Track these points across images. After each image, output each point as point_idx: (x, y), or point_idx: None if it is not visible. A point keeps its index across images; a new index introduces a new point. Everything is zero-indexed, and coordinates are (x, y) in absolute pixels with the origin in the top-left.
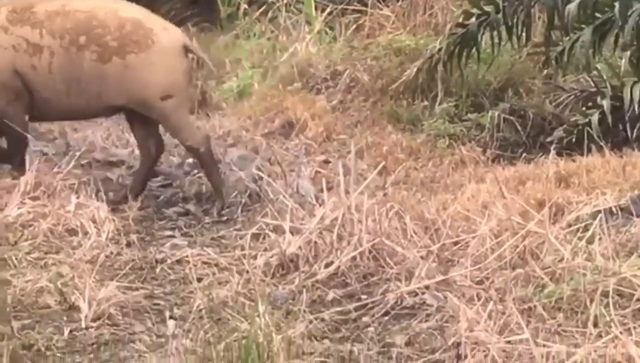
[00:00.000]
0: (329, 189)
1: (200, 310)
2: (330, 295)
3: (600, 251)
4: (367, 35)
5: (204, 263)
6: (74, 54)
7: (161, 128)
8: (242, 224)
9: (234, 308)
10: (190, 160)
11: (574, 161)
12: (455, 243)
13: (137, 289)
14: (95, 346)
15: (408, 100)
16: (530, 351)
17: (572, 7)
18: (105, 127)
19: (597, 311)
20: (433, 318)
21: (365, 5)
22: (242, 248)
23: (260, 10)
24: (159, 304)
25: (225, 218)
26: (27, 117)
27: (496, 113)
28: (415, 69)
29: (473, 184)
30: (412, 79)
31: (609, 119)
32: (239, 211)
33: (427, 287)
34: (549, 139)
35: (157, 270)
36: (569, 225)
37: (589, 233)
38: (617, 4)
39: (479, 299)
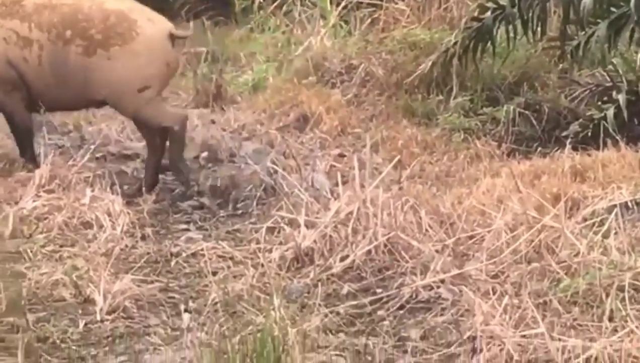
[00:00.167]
0: (344, 183)
1: (216, 304)
2: (346, 289)
3: (616, 246)
4: (382, 29)
5: (219, 256)
6: (61, 48)
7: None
8: (257, 217)
9: (249, 301)
10: (205, 154)
11: (589, 155)
12: (471, 237)
13: (152, 282)
14: (110, 339)
15: (423, 94)
16: (545, 345)
17: (587, 2)
18: (120, 121)
19: (613, 305)
20: (448, 312)
21: None
22: (257, 242)
23: (275, 3)
24: (174, 297)
25: (240, 211)
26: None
27: (511, 107)
28: (430, 63)
29: (488, 179)
30: (427, 73)
31: (625, 114)
32: (254, 204)
33: (442, 281)
34: (564, 134)
35: (172, 263)
36: (585, 219)
37: (604, 228)
38: None
39: (494, 293)
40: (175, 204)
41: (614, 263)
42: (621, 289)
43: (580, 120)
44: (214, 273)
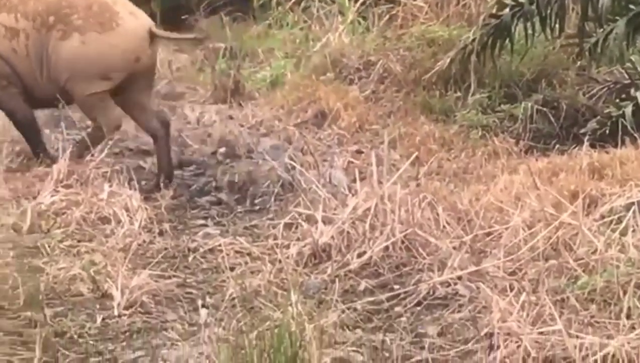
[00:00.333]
0: (362, 179)
1: (233, 299)
2: (363, 285)
3: (634, 243)
4: (400, 26)
5: (237, 252)
6: (44, 35)
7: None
8: (274, 213)
9: (266, 297)
10: (222, 149)
11: (607, 152)
12: (488, 234)
13: (169, 277)
14: (127, 334)
15: (441, 91)
16: (563, 342)
17: None
18: None
19: (630, 303)
20: (465, 309)
21: None
22: (275, 238)
23: (293, 0)
24: (191, 292)
25: (257, 207)
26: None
27: (529, 104)
28: (448, 60)
29: (506, 176)
30: (445, 70)
31: None
32: (272, 200)
33: (459, 278)
34: (582, 131)
35: (190, 259)
36: (602, 217)
37: (622, 225)
38: None
39: (511, 290)
40: (192, 199)
41: (632, 260)
42: (639, 286)
43: (598, 117)
44: (232, 269)
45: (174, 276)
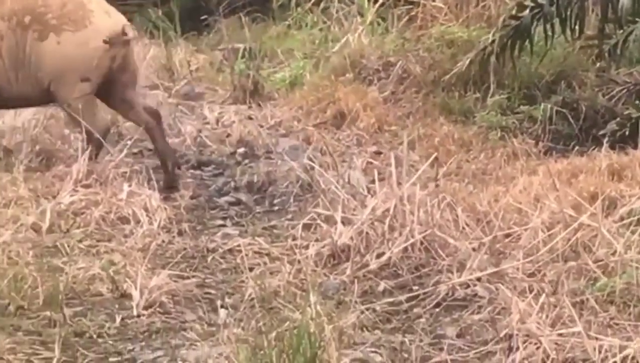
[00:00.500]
0: (381, 180)
1: (252, 299)
2: (382, 286)
3: None
4: (419, 27)
5: (256, 252)
6: (19, 36)
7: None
8: (293, 214)
9: (285, 297)
10: (241, 150)
11: (626, 154)
12: (507, 235)
13: (188, 277)
14: (146, 334)
15: (460, 92)
16: (582, 344)
17: (626, 0)
18: None
19: None
20: (485, 310)
21: None
22: (294, 238)
23: (313, 0)
24: (210, 293)
25: (276, 207)
26: None
27: (549, 106)
28: (467, 61)
29: (525, 177)
30: (465, 71)
31: None
32: (291, 201)
33: (478, 279)
34: (601, 132)
35: (209, 259)
36: (622, 218)
37: None
38: None
39: (531, 291)
40: (211, 200)
41: None
42: None
43: (618, 119)
44: (251, 269)
45: (193, 276)
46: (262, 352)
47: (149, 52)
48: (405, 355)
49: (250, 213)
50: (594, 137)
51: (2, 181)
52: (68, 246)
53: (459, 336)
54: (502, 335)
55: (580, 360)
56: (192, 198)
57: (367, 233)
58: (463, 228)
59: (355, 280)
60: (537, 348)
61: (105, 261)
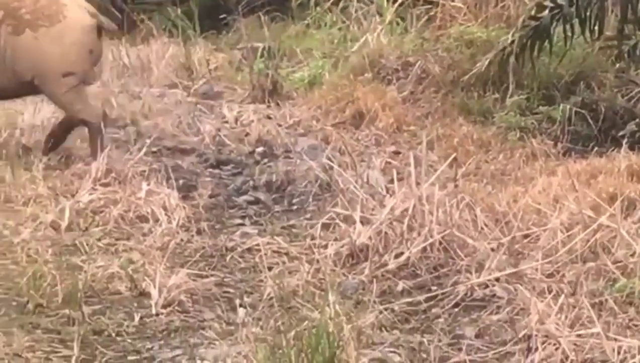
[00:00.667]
0: (400, 180)
1: (271, 299)
2: (400, 286)
3: None
4: (438, 27)
5: (274, 251)
6: None
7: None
8: (312, 213)
9: (304, 297)
10: (260, 149)
11: None
12: (526, 236)
13: (207, 276)
14: (165, 332)
15: (479, 92)
16: (601, 345)
17: None
18: (176, 115)
19: None
20: (503, 311)
21: None
22: (313, 238)
23: (332, 0)
24: (229, 292)
25: (295, 207)
26: None
27: (568, 106)
28: (486, 62)
29: (544, 178)
30: (484, 72)
31: None
32: (310, 200)
33: (497, 279)
34: (620, 133)
35: (228, 258)
36: None
37: None
38: None
39: (549, 292)
40: (230, 199)
41: None
42: None
43: (637, 120)
44: (269, 269)
45: (212, 275)
46: (280, 351)
47: (168, 51)
48: (424, 355)
49: (269, 212)
50: (613, 138)
51: (22, 180)
52: (87, 244)
53: (477, 336)
54: (520, 335)
55: (599, 361)
56: (210, 196)
57: (385, 232)
58: (482, 228)
59: (374, 280)
60: (556, 349)
61: (124, 260)
